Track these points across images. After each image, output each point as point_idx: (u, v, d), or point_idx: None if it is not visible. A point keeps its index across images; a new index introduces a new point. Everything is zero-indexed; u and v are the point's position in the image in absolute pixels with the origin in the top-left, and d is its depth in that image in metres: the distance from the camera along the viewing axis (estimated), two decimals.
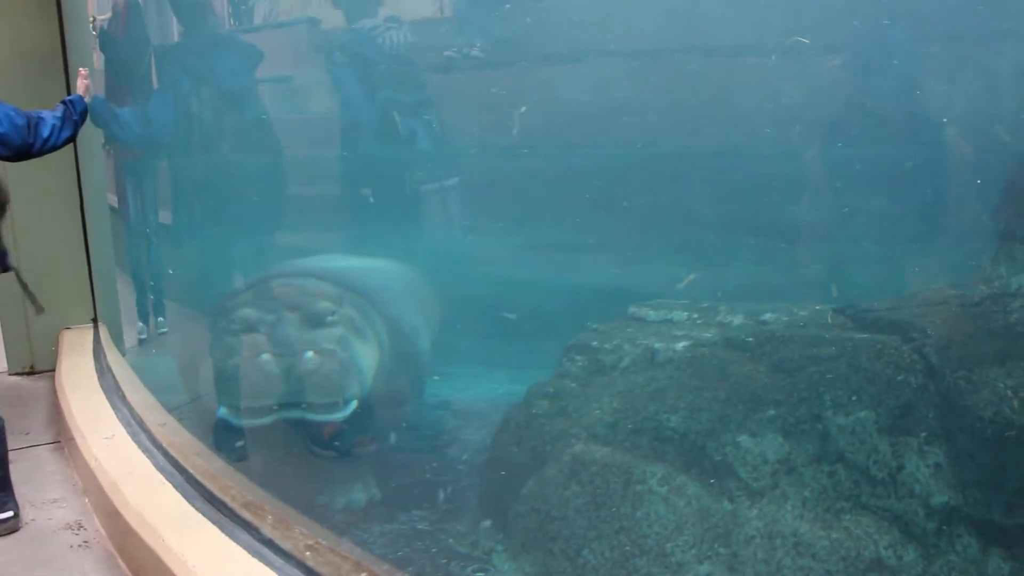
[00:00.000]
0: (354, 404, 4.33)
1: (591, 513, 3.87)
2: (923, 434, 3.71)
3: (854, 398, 3.81)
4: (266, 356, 4.09)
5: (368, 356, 4.57)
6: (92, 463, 3.63)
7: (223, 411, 4.08)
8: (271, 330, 4.18)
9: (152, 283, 5.92)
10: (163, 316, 5.97)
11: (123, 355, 4.96)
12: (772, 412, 3.93)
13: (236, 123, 5.76)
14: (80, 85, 4.32)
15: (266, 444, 4.36)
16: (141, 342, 5.77)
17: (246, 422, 4.08)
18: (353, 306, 4.68)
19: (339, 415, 4.28)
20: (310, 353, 4.18)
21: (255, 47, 5.69)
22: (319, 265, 5.03)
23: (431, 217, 5.85)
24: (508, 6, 5.64)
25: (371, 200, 5.63)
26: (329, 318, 4.34)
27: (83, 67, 4.50)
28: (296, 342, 4.20)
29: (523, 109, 5.24)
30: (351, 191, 5.72)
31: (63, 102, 4.05)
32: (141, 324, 5.99)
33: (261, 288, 4.52)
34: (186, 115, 5.84)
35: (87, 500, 3.79)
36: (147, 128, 5.77)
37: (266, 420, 4.09)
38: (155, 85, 6.02)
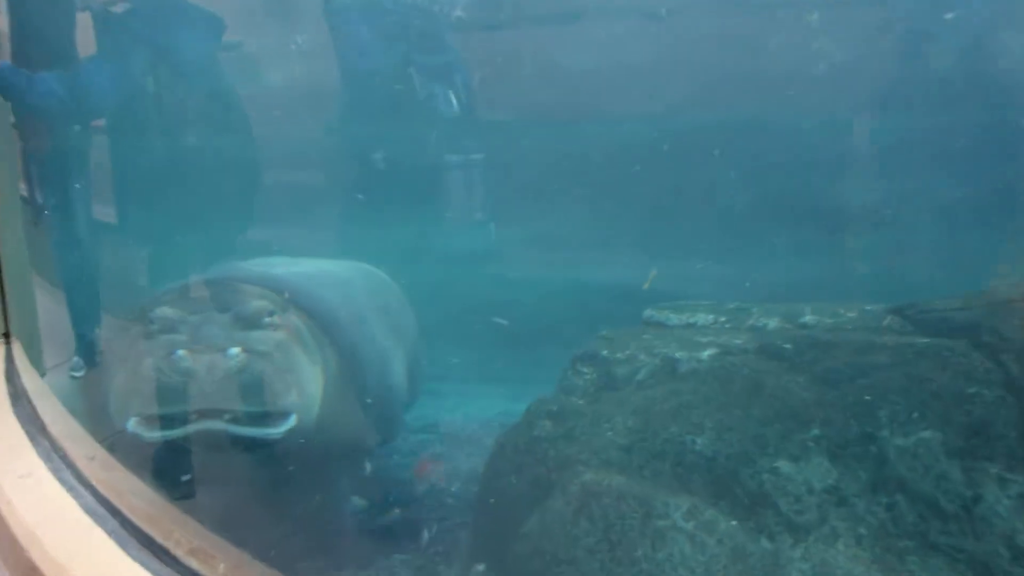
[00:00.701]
0: (293, 420, 4.13)
1: (604, 554, 3.78)
2: (1003, 458, 3.63)
3: (915, 415, 3.74)
4: (182, 352, 3.91)
5: (314, 377, 4.33)
6: (3, 507, 3.54)
7: (132, 424, 3.94)
8: (193, 329, 4.01)
9: (83, 291, 5.83)
10: (94, 330, 5.87)
11: (42, 376, 4.87)
12: (816, 432, 3.87)
13: (206, 97, 5.67)
14: None
15: (216, 478, 4.28)
16: (75, 361, 5.68)
17: (160, 434, 3.94)
18: (299, 319, 4.49)
19: (273, 430, 4.08)
20: (236, 350, 4.00)
21: (216, 16, 5.61)
22: (264, 271, 4.88)
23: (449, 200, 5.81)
24: None
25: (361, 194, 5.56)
26: (267, 319, 4.18)
27: None
28: (221, 340, 4.03)
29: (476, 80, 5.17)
30: (336, 180, 5.66)
31: None
32: (79, 338, 5.91)
33: (187, 288, 4.39)
34: (136, 88, 5.72)
35: None
36: (80, 98, 5.64)
37: (183, 431, 3.92)
38: (88, 48, 5.88)
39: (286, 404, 4.08)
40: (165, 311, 4.08)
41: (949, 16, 4.48)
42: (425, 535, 4.73)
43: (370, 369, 4.86)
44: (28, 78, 5.50)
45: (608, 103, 5.62)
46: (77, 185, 5.77)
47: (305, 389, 4.19)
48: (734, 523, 3.77)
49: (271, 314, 4.17)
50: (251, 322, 4.11)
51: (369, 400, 4.76)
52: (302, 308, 4.59)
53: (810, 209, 5.12)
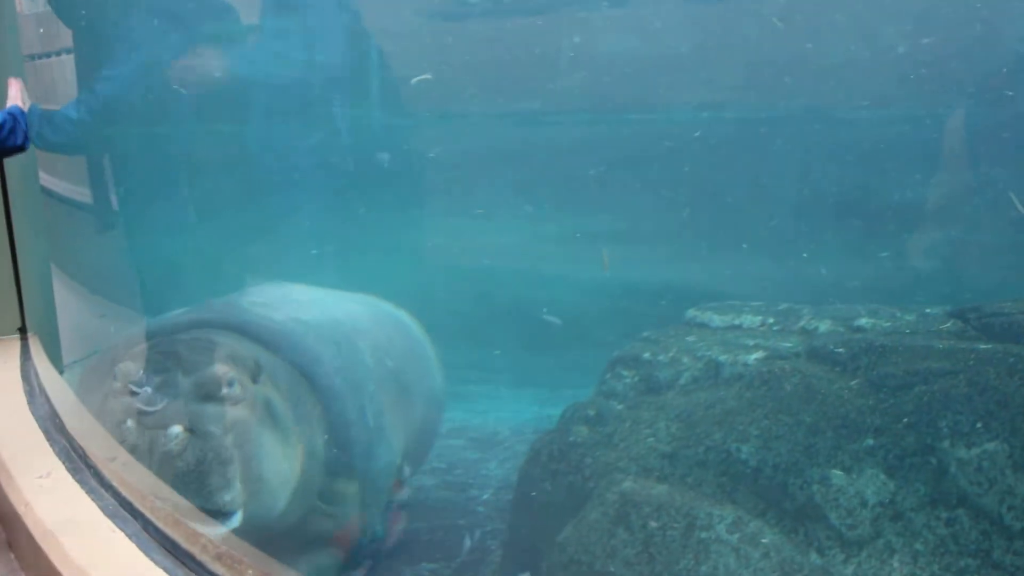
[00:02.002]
0: (236, 520, 3.69)
1: (644, 566, 3.79)
2: None
3: (979, 425, 3.70)
4: (130, 424, 3.76)
5: (280, 463, 3.98)
6: (21, 509, 3.58)
7: None
8: (148, 397, 3.80)
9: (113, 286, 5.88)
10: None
11: (61, 373, 4.93)
12: (871, 442, 3.86)
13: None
14: (13, 94, 4.30)
15: None
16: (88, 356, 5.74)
17: None
18: (275, 381, 4.15)
19: (210, 529, 3.74)
20: (177, 429, 3.79)
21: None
22: (254, 317, 4.55)
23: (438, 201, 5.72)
24: None
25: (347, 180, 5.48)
26: (225, 390, 3.82)
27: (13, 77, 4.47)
28: (169, 414, 3.70)
29: (426, 77, 5.17)
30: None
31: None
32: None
33: (158, 339, 4.11)
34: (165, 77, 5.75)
35: (13, 556, 3.74)
36: (104, 108, 5.70)
37: None
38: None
39: (225, 500, 3.72)
40: (128, 368, 3.76)
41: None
42: (457, 544, 4.75)
43: (362, 450, 4.48)
44: (41, 117, 5.61)
45: (652, 92, 5.61)
46: (106, 173, 5.80)
47: (264, 478, 3.89)
48: (781, 536, 3.77)
49: (231, 384, 3.82)
50: (207, 393, 3.81)
51: (356, 486, 4.45)
52: (290, 368, 4.31)
53: (867, 205, 5.09)
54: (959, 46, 4.68)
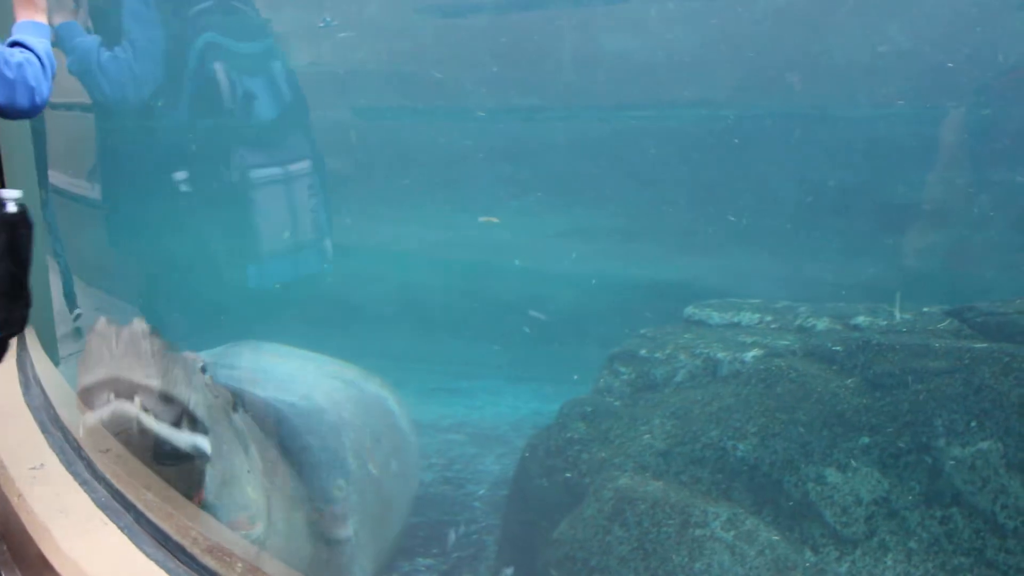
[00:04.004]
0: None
1: (639, 563, 3.79)
2: None
3: (973, 424, 3.69)
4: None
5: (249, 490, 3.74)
6: (14, 500, 3.58)
7: None
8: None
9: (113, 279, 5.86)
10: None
11: (56, 365, 4.93)
12: (866, 439, 3.86)
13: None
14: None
15: None
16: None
17: None
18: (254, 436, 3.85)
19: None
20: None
21: None
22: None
23: (261, 212, 5.47)
24: None
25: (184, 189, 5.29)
26: (197, 377, 3.53)
27: None
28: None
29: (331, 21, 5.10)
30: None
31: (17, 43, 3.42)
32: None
33: None
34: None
35: (5, 547, 3.75)
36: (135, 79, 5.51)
37: None
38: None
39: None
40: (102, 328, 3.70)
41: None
42: (451, 538, 4.75)
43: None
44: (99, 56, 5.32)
45: (651, 89, 5.61)
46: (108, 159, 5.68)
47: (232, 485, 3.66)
48: (776, 533, 3.76)
49: (204, 370, 3.60)
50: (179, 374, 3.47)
51: None
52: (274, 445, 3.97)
53: (866, 203, 5.08)
54: (958, 44, 4.66)
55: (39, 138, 5.53)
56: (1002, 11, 4.48)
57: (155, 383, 3.27)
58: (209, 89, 5.34)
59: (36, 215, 5.36)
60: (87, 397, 3.30)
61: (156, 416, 3.29)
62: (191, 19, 5.35)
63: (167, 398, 3.29)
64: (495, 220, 5.41)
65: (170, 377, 3.30)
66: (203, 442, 3.38)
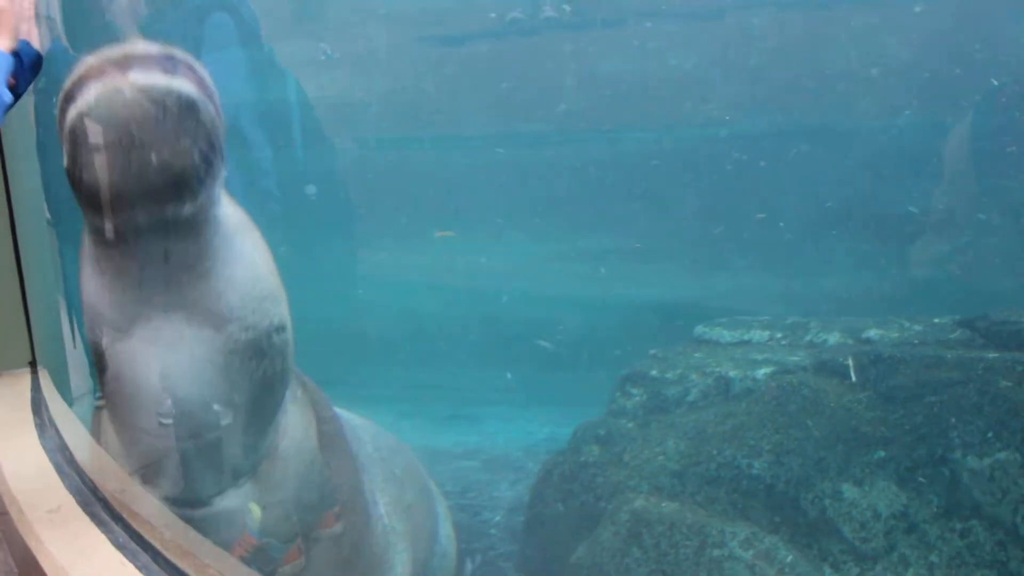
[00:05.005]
0: None
1: None
2: None
3: (990, 435, 3.67)
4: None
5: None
6: (32, 543, 3.57)
7: None
8: None
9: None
10: None
11: (70, 406, 4.93)
12: (882, 454, 3.84)
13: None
14: (24, 29, 3.28)
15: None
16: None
17: None
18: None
19: None
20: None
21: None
22: None
23: None
24: None
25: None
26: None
27: None
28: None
29: (332, 53, 5.10)
30: None
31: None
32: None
33: None
34: None
35: None
36: None
37: None
38: None
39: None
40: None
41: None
42: (468, 566, 4.71)
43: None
44: None
45: (653, 109, 5.62)
46: None
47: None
48: (795, 551, 3.76)
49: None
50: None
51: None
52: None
53: (873, 215, 5.08)
54: (962, 55, 4.67)
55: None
56: (1003, 20, 4.49)
57: (154, 49, 2.77)
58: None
59: (48, 244, 5.37)
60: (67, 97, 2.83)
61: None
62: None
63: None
64: (450, 233, 5.42)
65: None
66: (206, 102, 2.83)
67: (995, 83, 4.44)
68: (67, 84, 2.76)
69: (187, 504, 3.31)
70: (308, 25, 5.49)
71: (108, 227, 2.99)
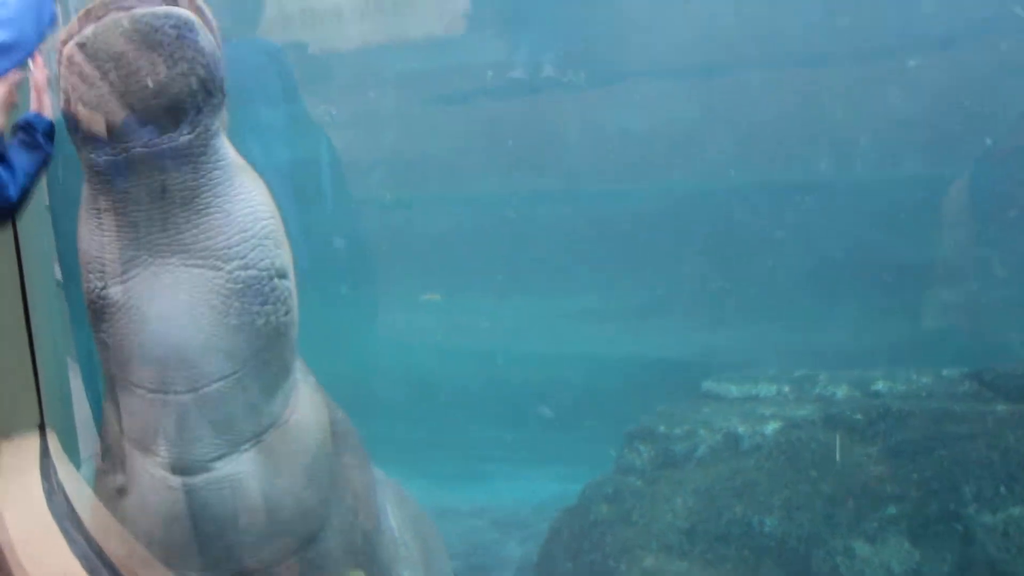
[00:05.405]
0: None
1: None
2: None
3: (1003, 489, 3.66)
4: None
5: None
6: None
7: None
8: None
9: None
10: None
11: (78, 468, 4.92)
12: (893, 510, 3.82)
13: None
14: (34, 97, 3.34)
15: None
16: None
17: None
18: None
19: None
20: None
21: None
22: None
23: None
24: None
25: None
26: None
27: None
28: None
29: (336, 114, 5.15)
30: None
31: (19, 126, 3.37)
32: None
33: None
34: None
35: None
36: None
37: None
38: None
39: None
40: None
41: None
42: None
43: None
44: None
45: (656, 165, 5.67)
46: None
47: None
48: None
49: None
50: None
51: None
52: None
53: (877, 268, 5.09)
54: (960, 109, 4.72)
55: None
56: (1001, 76, 4.54)
57: None
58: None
59: (58, 306, 5.38)
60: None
61: None
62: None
63: None
64: (437, 297, 5.43)
65: None
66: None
67: (988, 142, 4.48)
68: (68, 27, 2.80)
69: (188, 470, 3.19)
70: (315, 86, 5.54)
71: (104, 161, 3.00)
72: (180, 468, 3.18)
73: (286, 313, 3.19)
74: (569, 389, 5.64)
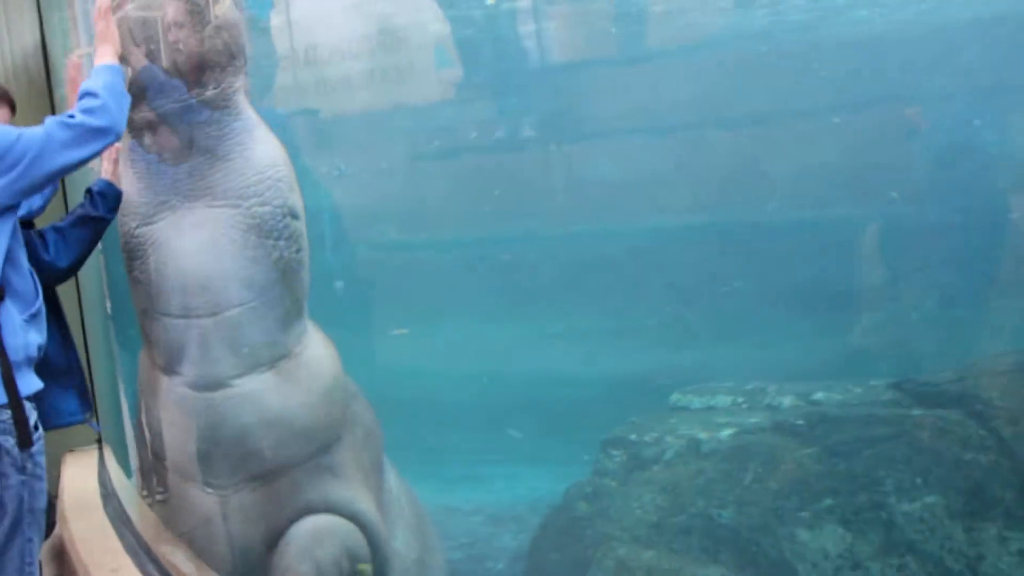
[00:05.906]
0: None
1: None
2: (1001, 518, 3.61)
3: (919, 481, 3.75)
4: None
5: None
6: None
7: None
8: None
9: None
10: None
11: (129, 477, 5.05)
12: (830, 501, 3.89)
13: None
14: (106, 165, 3.31)
15: None
16: None
17: None
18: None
19: None
20: None
21: None
22: None
23: None
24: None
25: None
26: None
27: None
28: None
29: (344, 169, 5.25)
30: None
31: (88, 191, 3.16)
32: None
33: None
34: None
35: None
36: None
37: None
38: None
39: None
40: None
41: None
42: None
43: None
44: None
45: (625, 209, 5.77)
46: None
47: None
48: None
49: None
50: None
51: None
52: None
53: (818, 295, 5.19)
54: (879, 160, 4.86)
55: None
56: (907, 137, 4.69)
57: None
58: None
59: (110, 336, 5.46)
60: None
61: None
62: None
63: None
64: (405, 331, 5.51)
65: None
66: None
67: (894, 195, 4.64)
68: None
69: (208, 387, 3.24)
70: (327, 147, 5.66)
71: (141, 117, 3.13)
72: (202, 384, 3.25)
73: (297, 251, 3.29)
74: (560, 403, 5.73)
